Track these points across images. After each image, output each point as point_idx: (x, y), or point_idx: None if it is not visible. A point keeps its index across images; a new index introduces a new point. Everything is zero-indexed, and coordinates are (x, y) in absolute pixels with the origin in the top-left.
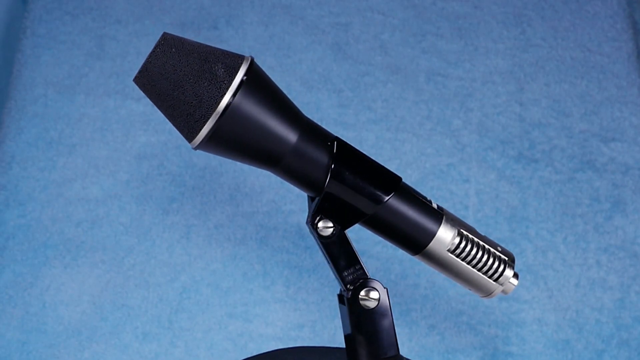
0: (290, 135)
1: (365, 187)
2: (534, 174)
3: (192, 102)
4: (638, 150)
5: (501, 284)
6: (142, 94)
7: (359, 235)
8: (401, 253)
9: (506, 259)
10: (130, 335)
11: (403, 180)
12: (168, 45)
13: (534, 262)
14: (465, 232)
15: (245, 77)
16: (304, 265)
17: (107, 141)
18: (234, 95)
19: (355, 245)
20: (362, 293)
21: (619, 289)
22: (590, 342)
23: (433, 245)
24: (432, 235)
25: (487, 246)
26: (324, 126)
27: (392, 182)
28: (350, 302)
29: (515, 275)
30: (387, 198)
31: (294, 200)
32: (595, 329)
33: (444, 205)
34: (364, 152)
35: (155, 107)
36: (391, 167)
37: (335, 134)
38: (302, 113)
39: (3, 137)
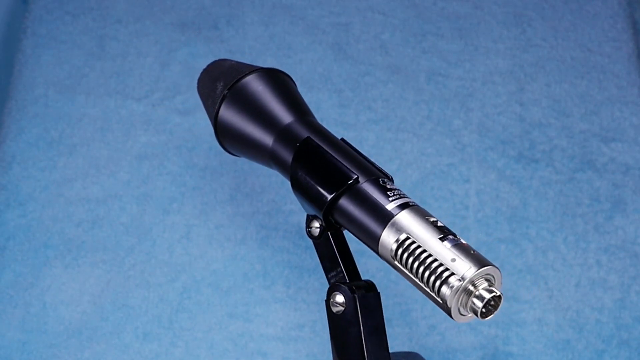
0: (266, 139)
1: (313, 187)
2: (534, 174)
3: (210, 116)
4: (638, 150)
5: (445, 303)
6: (142, 94)
7: None
8: None
9: (447, 274)
10: (130, 335)
11: (394, 178)
12: (205, 69)
13: (534, 262)
14: (406, 239)
15: (226, 92)
16: (305, 266)
17: (108, 141)
18: (218, 108)
19: (356, 245)
20: (331, 297)
21: (619, 289)
22: (590, 342)
23: (381, 249)
24: (376, 239)
25: (425, 256)
26: (324, 126)
27: (339, 182)
28: (326, 305)
29: (474, 296)
30: (330, 197)
31: (295, 200)
32: (595, 329)
33: (444, 206)
34: (364, 152)
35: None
36: (391, 167)
37: (335, 134)
38: (281, 117)
39: (4, 137)
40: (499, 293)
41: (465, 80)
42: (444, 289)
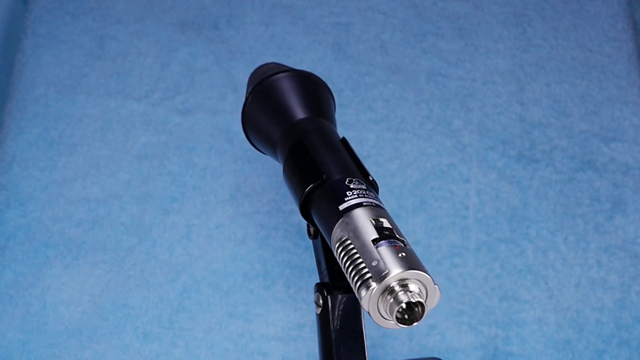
0: (276, 135)
1: (292, 186)
2: (535, 174)
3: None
4: (638, 150)
5: (365, 307)
6: (142, 94)
7: None
8: None
9: (367, 276)
10: (130, 335)
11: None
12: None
13: (534, 262)
14: (347, 239)
15: (254, 88)
16: (305, 265)
17: (108, 141)
18: (245, 102)
19: None
20: (315, 297)
21: (619, 289)
22: (590, 342)
23: (332, 248)
24: (329, 238)
25: (356, 257)
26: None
27: (307, 181)
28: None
29: (399, 308)
30: (301, 197)
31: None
32: (595, 329)
33: (444, 206)
34: (364, 152)
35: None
36: (392, 167)
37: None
38: (296, 115)
39: (4, 137)
40: (415, 300)
41: (466, 80)
42: (362, 291)
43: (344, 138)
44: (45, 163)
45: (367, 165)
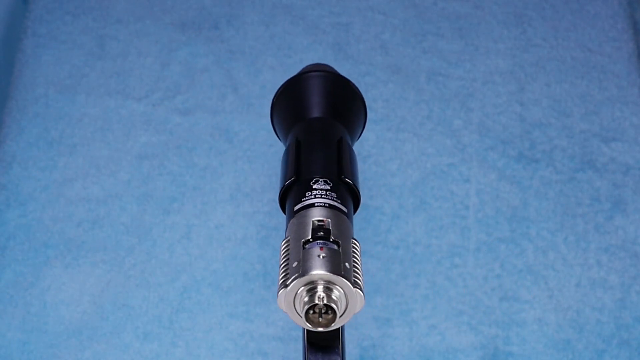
0: (288, 126)
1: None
2: (535, 173)
3: None
4: (639, 150)
5: (281, 307)
6: (142, 94)
7: (359, 235)
8: (402, 253)
9: (285, 277)
10: (131, 335)
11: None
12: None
13: (534, 262)
14: (285, 239)
15: (284, 84)
16: None
17: (108, 141)
18: (274, 96)
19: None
20: None
21: (619, 289)
22: (590, 342)
23: None
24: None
25: (286, 257)
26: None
27: (281, 181)
28: None
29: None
30: (279, 196)
31: None
32: (595, 329)
33: (444, 206)
34: (364, 152)
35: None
36: (392, 167)
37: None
38: (311, 113)
39: (4, 137)
40: (322, 303)
41: (466, 80)
42: (279, 291)
43: (341, 138)
44: (45, 163)
45: (366, 166)
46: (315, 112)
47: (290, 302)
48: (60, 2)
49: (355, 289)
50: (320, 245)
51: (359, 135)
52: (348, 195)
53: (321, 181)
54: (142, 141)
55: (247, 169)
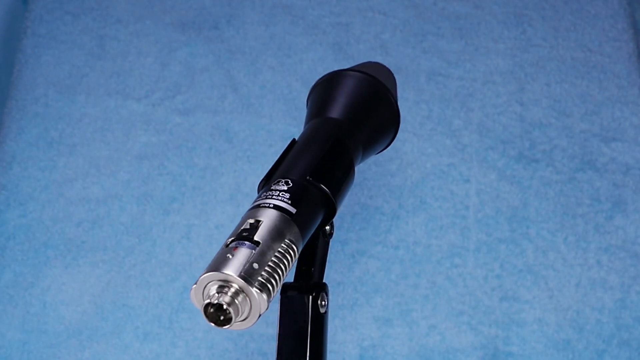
0: (308, 122)
1: None
2: (535, 173)
3: None
4: (638, 150)
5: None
6: (142, 94)
7: (359, 235)
8: (402, 253)
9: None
10: (131, 335)
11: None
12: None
13: (534, 262)
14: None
15: (324, 77)
16: None
17: (108, 141)
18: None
19: (356, 245)
20: None
21: (619, 289)
22: (590, 342)
23: None
24: None
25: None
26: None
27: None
28: None
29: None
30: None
31: None
32: (595, 329)
33: (444, 206)
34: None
35: (156, 107)
36: (392, 167)
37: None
38: (328, 112)
39: (4, 137)
40: (215, 302)
41: (466, 80)
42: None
43: (337, 140)
44: (45, 163)
45: (366, 166)
46: (334, 112)
47: (201, 300)
48: (60, 2)
49: (254, 289)
50: (235, 246)
51: (379, 149)
52: (316, 196)
53: (282, 182)
54: (142, 141)
55: (247, 169)
